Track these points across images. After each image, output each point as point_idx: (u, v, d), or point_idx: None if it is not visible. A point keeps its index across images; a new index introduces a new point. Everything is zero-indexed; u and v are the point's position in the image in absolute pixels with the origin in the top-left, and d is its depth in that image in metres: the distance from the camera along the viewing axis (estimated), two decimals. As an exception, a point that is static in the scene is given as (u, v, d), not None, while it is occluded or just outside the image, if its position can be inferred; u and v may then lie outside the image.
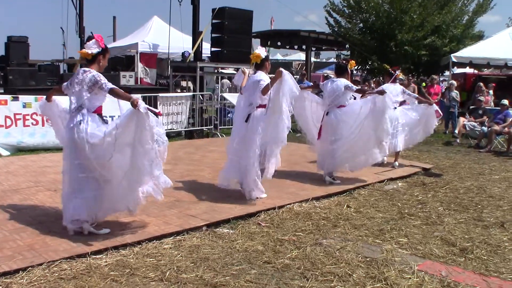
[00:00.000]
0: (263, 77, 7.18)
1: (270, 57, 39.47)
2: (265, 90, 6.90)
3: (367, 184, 8.52)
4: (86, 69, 5.46)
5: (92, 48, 5.50)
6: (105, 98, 5.56)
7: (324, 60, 51.49)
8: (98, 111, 5.51)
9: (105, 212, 5.66)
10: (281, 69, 6.74)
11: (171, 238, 5.56)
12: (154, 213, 6.35)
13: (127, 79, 19.24)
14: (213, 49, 16.24)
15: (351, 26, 25.50)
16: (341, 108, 8.35)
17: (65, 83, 5.72)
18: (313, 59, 38.37)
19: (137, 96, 5.42)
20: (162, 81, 21.08)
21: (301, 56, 38.88)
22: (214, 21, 15.91)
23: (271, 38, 27.58)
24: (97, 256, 4.94)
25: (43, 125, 11.05)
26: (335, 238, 5.72)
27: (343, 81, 8.39)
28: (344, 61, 9.10)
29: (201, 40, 16.58)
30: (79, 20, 22.67)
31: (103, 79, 5.37)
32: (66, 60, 21.54)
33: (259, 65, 7.39)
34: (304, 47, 27.49)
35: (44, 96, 6.30)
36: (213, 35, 16.03)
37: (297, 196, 7.47)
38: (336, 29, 26.26)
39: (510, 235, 6.04)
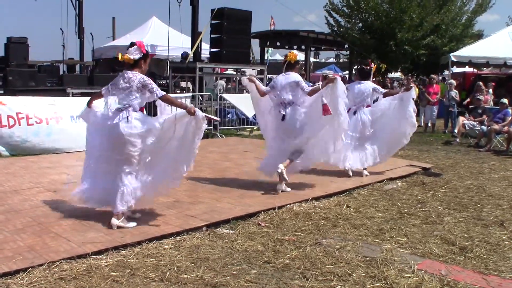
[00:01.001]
0: (300, 78, 7.78)
1: (270, 58, 39.45)
2: (312, 92, 7.52)
3: (367, 184, 8.53)
4: (132, 72, 5.91)
5: (134, 54, 5.93)
6: (149, 99, 6.04)
7: (323, 60, 51.63)
8: (141, 110, 5.97)
9: (148, 200, 6.17)
10: (334, 74, 7.14)
11: (171, 238, 5.56)
12: (154, 213, 6.36)
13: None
14: (212, 49, 16.28)
15: (351, 26, 25.54)
16: (368, 108, 9.07)
17: (104, 88, 6.13)
18: (312, 59, 38.48)
19: (191, 105, 5.95)
20: (161, 81, 21.09)
21: (300, 56, 38.81)
22: (213, 21, 15.98)
23: (270, 38, 27.64)
24: (98, 257, 4.94)
25: (47, 123, 11.03)
26: (335, 238, 5.73)
27: (370, 84, 9.12)
28: (367, 67, 9.38)
29: (200, 40, 16.64)
30: (79, 21, 22.77)
31: (153, 85, 5.91)
32: (65, 61, 21.54)
33: (292, 66, 7.89)
34: (303, 47, 27.53)
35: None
36: (212, 35, 16.10)
37: (297, 196, 7.47)
38: (335, 29, 26.31)
39: (509, 234, 6.04)
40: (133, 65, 5.96)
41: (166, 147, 5.88)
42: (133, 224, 5.88)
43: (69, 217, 6.12)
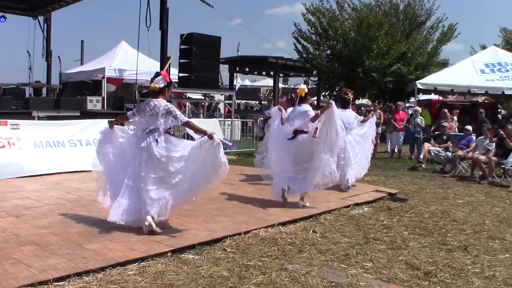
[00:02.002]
0: (309, 108, 8.68)
1: (239, 83, 39.74)
2: (314, 118, 8.34)
3: (333, 209, 8.54)
4: (157, 100, 6.59)
5: (159, 83, 6.62)
6: (173, 123, 6.71)
7: (292, 86, 51.88)
8: (167, 132, 6.65)
9: (172, 212, 6.71)
10: (331, 101, 8.53)
11: (135, 264, 5.48)
12: (119, 238, 6.27)
13: (94, 103, 19.08)
14: (181, 74, 16.28)
15: (319, 53, 25.82)
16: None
17: (130, 112, 6.91)
18: (281, 85, 38.71)
19: (211, 131, 6.55)
20: (129, 105, 20.97)
21: (269, 82, 39.17)
22: (182, 46, 16.01)
23: (239, 64, 27.83)
24: (59, 283, 4.83)
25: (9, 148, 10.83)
26: (301, 263, 5.71)
27: (352, 112, 10.75)
28: (347, 96, 10.60)
29: (169, 65, 16.61)
30: (46, 43, 22.60)
31: (177, 112, 6.59)
32: (32, 84, 21.32)
33: (303, 98, 8.87)
34: (272, 73, 27.76)
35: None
36: (181, 60, 16.13)
37: (263, 221, 7.45)
38: (304, 56, 26.58)
39: (473, 259, 6.11)
40: (158, 92, 6.65)
41: (189, 167, 6.49)
42: (160, 230, 6.51)
43: (30, 242, 5.98)
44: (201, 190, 6.72)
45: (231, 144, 7.42)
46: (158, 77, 6.66)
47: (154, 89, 6.64)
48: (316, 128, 8.26)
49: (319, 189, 8.58)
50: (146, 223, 6.42)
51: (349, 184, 10.19)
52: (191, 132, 6.84)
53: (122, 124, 7.38)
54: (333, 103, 8.45)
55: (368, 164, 10.89)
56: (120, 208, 6.54)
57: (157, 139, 6.46)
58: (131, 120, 6.88)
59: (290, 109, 9.24)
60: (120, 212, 6.52)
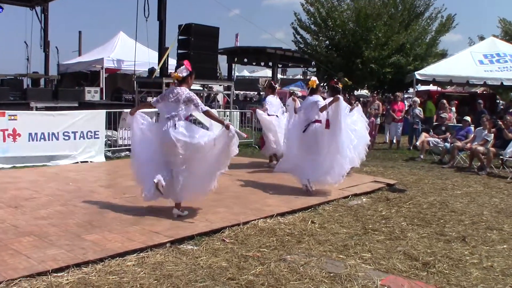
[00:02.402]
0: (320, 99, 9.07)
1: (237, 74, 39.62)
2: (322, 109, 8.82)
3: (332, 200, 8.56)
4: (180, 88, 6.91)
5: (183, 72, 6.96)
6: (194, 111, 7.15)
7: (290, 77, 51.85)
8: (187, 118, 6.96)
9: (189, 196, 7.11)
10: (338, 95, 8.80)
11: (134, 255, 5.48)
12: (117, 229, 6.27)
13: (92, 94, 19.02)
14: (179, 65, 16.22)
15: (318, 43, 25.75)
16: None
17: (154, 99, 7.25)
18: (279, 75, 38.67)
19: (228, 122, 7.19)
20: (128, 96, 20.93)
21: (268, 72, 39.14)
22: (180, 37, 15.94)
23: (238, 55, 27.77)
24: (58, 274, 4.83)
25: (4, 140, 10.81)
26: (299, 254, 5.72)
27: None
28: (337, 85, 10.05)
29: (167, 56, 16.56)
30: (44, 34, 22.50)
31: (198, 100, 6.94)
32: (29, 75, 21.25)
33: (315, 90, 9.29)
34: (270, 63, 27.70)
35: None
36: (179, 51, 16.05)
37: (262, 212, 7.46)
38: (302, 46, 26.50)
39: (471, 249, 6.12)
40: (181, 81, 6.97)
41: (205, 156, 6.87)
42: (186, 212, 7.06)
43: (29, 233, 5.99)
44: (215, 179, 7.02)
45: (245, 135, 7.75)
46: (181, 67, 7.00)
47: (178, 78, 6.96)
48: (328, 120, 8.80)
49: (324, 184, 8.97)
50: (174, 215, 6.94)
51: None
52: (203, 119, 7.20)
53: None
54: (341, 97, 8.87)
55: (364, 152, 10.65)
56: (150, 188, 6.90)
57: (175, 124, 6.74)
58: (154, 106, 7.21)
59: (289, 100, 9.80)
60: (152, 191, 6.87)
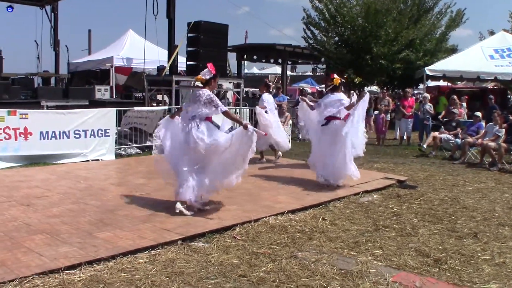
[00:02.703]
0: (343, 97, 9.46)
1: (246, 71, 39.66)
2: (349, 107, 9.16)
3: (342, 196, 8.55)
4: (202, 90, 7.23)
5: (206, 75, 7.27)
6: (214, 112, 7.25)
7: (300, 74, 51.83)
8: (209, 119, 7.20)
9: (208, 193, 7.31)
10: (365, 91, 8.87)
11: (145, 252, 5.51)
12: (128, 227, 6.30)
13: (102, 92, 19.10)
14: (188, 62, 16.24)
15: (327, 40, 25.67)
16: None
17: (185, 103, 7.91)
18: (289, 72, 38.65)
19: (246, 121, 7.51)
20: (137, 94, 20.99)
21: (277, 69, 39.12)
22: (189, 35, 15.95)
23: (247, 52, 27.72)
24: (71, 272, 4.87)
25: (15, 139, 10.88)
26: (310, 251, 5.72)
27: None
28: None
29: (177, 53, 16.59)
30: (54, 33, 22.63)
31: (218, 102, 7.19)
32: (40, 74, 21.36)
33: (337, 87, 9.53)
34: (280, 60, 27.64)
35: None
36: (189, 48, 16.06)
37: (273, 209, 7.46)
38: (312, 43, 26.42)
39: (483, 246, 6.10)
40: (205, 84, 7.28)
41: (222, 155, 7.08)
42: (192, 212, 7.06)
43: (41, 231, 6.03)
44: (236, 177, 7.20)
45: (264, 133, 7.96)
46: (205, 70, 7.31)
47: (201, 80, 7.29)
48: (348, 114, 9.12)
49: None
50: (176, 209, 7.03)
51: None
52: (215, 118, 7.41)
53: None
54: (368, 93, 9.42)
55: (362, 145, 10.01)
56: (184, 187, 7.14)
57: (197, 124, 7.06)
58: (183, 109, 7.52)
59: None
60: (190, 191, 7.10)
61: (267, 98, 12.22)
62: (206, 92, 7.16)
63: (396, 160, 13.60)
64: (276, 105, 12.83)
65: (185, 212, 7.00)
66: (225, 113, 7.32)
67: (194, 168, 7.11)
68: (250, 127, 6.99)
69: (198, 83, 7.43)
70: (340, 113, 9.27)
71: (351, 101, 9.56)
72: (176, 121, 7.54)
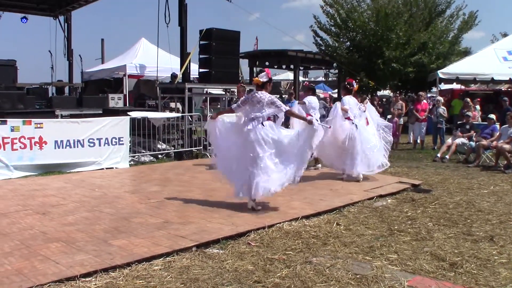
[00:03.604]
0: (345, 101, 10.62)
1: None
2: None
3: (356, 201, 8.52)
4: (261, 92, 7.69)
5: (263, 78, 7.79)
6: (277, 111, 7.82)
7: (312, 79, 51.73)
8: (269, 119, 7.66)
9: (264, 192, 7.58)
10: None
11: (160, 259, 5.53)
12: (143, 234, 6.33)
13: (115, 101, 19.20)
14: (201, 70, 16.30)
15: (339, 45, 25.66)
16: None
17: (234, 105, 8.21)
18: (301, 78, 38.54)
19: (310, 117, 8.41)
20: (151, 102, 21.08)
21: (290, 75, 39.03)
22: (201, 42, 15.99)
23: (259, 58, 27.71)
24: (86, 279, 4.90)
25: (31, 148, 10.99)
26: (325, 256, 5.71)
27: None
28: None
29: (189, 61, 16.64)
30: (67, 43, 22.79)
31: (279, 102, 7.77)
32: (54, 83, 21.51)
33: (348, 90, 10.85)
34: (292, 66, 27.63)
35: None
36: (201, 56, 16.10)
37: (287, 215, 7.46)
38: (323, 48, 26.42)
39: (499, 249, 6.05)
40: (261, 86, 7.74)
41: (286, 151, 7.58)
42: (260, 207, 7.76)
43: (57, 239, 6.07)
44: (300, 171, 7.65)
45: (329, 126, 9.34)
46: (262, 73, 7.86)
47: (258, 82, 7.77)
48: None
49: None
50: (249, 205, 7.73)
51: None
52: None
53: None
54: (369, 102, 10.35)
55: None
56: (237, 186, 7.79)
57: (262, 123, 7.52)
58: (237, 111, 7.99)
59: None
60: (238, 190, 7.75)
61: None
62: (266, 95, 7.65)
63: (410, 164, 13.54)
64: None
65: (257, 207, 7.68)
66: (288, 112, 7.94)
67: (260, 167, 7.46)
68: (315, 121, 7.77)
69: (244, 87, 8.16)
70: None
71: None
72: (221, 121, 8.05)
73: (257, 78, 7.81)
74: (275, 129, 7.63)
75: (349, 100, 10.53)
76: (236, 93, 15.15)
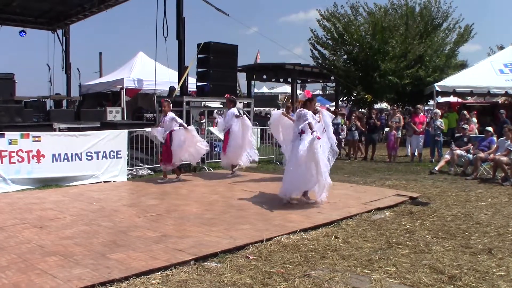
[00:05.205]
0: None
1: (256, 91, 39.65)
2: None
3: (355, 214, 8.51)
4: (302, 109, 9.30)
5: (303, 97, 9.63)
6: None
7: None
8: (302, 133, 9.09)
9: (299, 190, 9.41)
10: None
11: (159, 273, 5.50)
12: (141, 248, 6.31)
13: (113, 114, 19.22)
14: (198, 83, 16.34)
15: (336, 58, 25.79)
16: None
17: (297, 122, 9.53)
18: (299, 91, 38.60)
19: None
20: (148, 115, 21.08)
21: (287, 88, 39.15)
22: (199, 55, 16.05)
23: (257, 71, 27.80)
24: (84, 293, 4.88)
25: (28, 162, 10.98)
26: (324, 269, 5.70)
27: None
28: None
29: (187, 74, 16.67)
30: (66, 56, 22.84)
31: (307, 116, 9.07)
32: (52, 97, 21.55)
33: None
34: (289, 79, 27.71)
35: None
36: (199, 69, 16.16)
37: (285, 228, 7.44)
38: (320, 61, 26.54)
39: (498, 261, 6.04)
40: (303, 105, 9.43)
41: (308, 159, 8.93)
42: (313, 201, 9.31)
43: (55, 253, 6.05)
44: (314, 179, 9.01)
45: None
46: (302, 94, 9.60)
47: (301, 102, 9.68)
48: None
49: None
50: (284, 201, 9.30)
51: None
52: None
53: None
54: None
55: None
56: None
57: (301, 136, 9.03)
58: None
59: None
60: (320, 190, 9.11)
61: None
62: (303, 111, 9.19)
63: (408, 176, 13.54)
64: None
65: (309, 201, 9.32)
66: (308, 125, 9.06)
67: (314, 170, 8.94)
68: (315, 134, 8.86)
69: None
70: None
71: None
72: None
73: (300, 98, 9.06)
74: (304, 142, 8.93)
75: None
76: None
